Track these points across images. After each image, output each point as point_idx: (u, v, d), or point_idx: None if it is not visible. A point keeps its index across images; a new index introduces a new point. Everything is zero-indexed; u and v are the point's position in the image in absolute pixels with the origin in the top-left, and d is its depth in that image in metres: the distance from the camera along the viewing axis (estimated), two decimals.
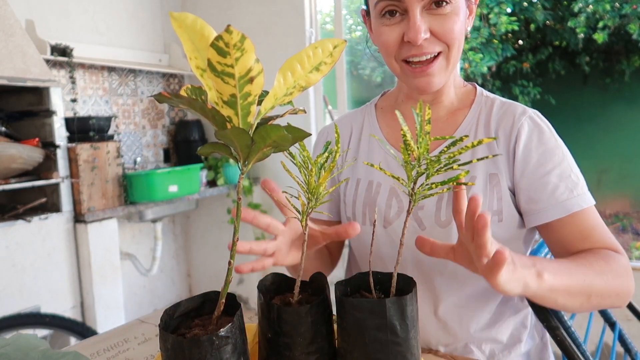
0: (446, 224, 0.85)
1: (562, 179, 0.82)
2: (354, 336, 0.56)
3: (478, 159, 0.55)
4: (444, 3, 0.78)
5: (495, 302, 0.89)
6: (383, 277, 0.61)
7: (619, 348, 1.14)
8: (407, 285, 0.58)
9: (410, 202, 0.56)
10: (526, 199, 0.83)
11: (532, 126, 0.85)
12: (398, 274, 0.59)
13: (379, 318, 0.54)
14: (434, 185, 0.55)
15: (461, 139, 0.53)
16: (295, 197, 0.59)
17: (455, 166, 0.53)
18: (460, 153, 0.54)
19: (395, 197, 0.90)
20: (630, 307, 1.11)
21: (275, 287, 0.64)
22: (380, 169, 0.58)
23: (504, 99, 0.91)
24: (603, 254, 0.78)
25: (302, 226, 0.59)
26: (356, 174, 0.96)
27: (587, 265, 0.75)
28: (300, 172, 0.58)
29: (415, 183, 0.55)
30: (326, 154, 0.58)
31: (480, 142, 0.54)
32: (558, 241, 0.84)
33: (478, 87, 0.94)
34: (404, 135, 0.53)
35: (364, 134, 0.99)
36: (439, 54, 0.81)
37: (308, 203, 0.58)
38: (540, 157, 0.83)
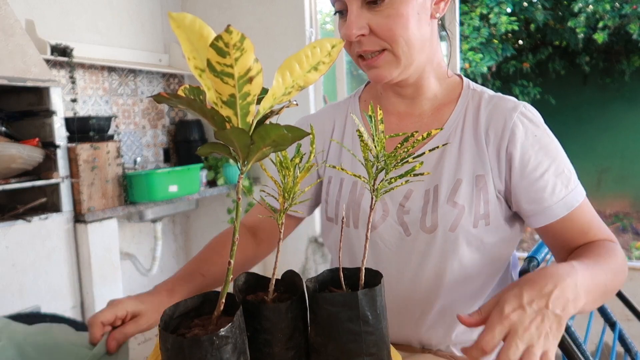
0: (432, 229, 0.83)
1: (557, 175, 0.82)
2: (327, 329, 0.58)
3: (430, 150, 0.61)
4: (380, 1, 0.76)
5: (477, 307, 0.88)
6: (349, 272, 0.64)
7: (619, 348, 1.14)
8: (372, 278, 0.61)
9: (372, 198, 0.59)
10: (528, 200, 0.82)
11: (526, 124, 0.83)
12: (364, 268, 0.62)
13: (352, 310, 0.57)
14: (392, 180, 0.59)
15: (412, 135, 0.57)
16: (273, 196, 0.62)
17: (410, 159, 0.58)
18: (413, 147, 0.57)
19: (380, 200, 0.88)
20: (630, 307, 1.11)
21: (246, 286, 0.65)
22: (342, 169, 0.64)
23: (491, 92, 0.88)
24: (609, 249, 0.78)
25: (279, 224, 0.60)
26: (340, 173, 0.93)
27: (605, 266, 0.73)
28: (278, 172, 0.59)
29: (375, 179, 0.59)
30: (300, 155, 0.59)
31: (429, 134, 0.58)
32: (558, 238, 0.84)
33: (465, 79, 0.91)
34: (360, 135, 0.57)
35: (347, 129, 0.96)
36: (383, 50, 0.80)
37: (284, 203, 0.60)
38: (538, 155, 0.82)
